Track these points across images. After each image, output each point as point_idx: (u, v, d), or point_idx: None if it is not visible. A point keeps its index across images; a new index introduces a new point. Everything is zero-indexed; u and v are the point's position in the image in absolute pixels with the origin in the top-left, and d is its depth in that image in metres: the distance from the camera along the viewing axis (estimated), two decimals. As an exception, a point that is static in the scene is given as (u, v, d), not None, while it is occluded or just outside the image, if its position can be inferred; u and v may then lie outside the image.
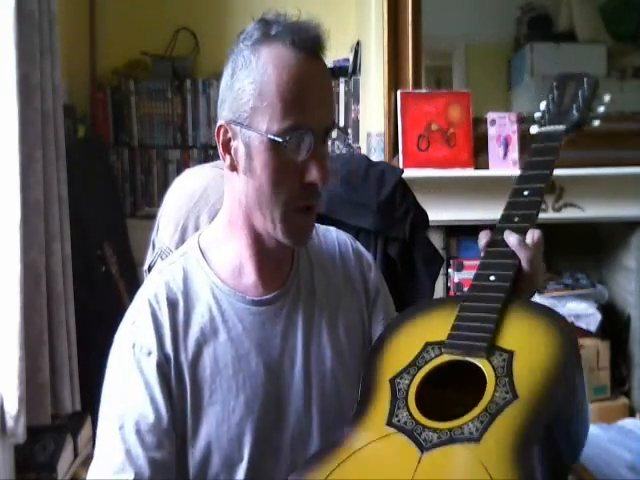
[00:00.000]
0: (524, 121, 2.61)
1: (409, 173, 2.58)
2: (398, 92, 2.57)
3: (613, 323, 2.79)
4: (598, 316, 2.70)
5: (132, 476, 0.82)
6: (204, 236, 0.98)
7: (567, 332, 0.80)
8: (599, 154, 2.54)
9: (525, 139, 2.59)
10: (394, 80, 2.60)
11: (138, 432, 0.83)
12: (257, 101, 0.83)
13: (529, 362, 0.77)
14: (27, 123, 1.94)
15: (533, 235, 0.92)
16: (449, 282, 2.68)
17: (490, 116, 2.61)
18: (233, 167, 0.88)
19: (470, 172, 2.57)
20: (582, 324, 2.69)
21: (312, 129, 0.83)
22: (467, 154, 2.58)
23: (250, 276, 0.93)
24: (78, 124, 2.73)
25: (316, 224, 1.05)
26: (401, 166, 2.56)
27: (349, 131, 2.92)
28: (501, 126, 2.60)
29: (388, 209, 1.38)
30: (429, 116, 2.57)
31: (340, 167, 1.43)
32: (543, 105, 1.05)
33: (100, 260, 2.47)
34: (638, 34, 3.15)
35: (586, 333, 2.68)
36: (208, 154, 2.89)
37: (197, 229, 1.18)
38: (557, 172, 2.85)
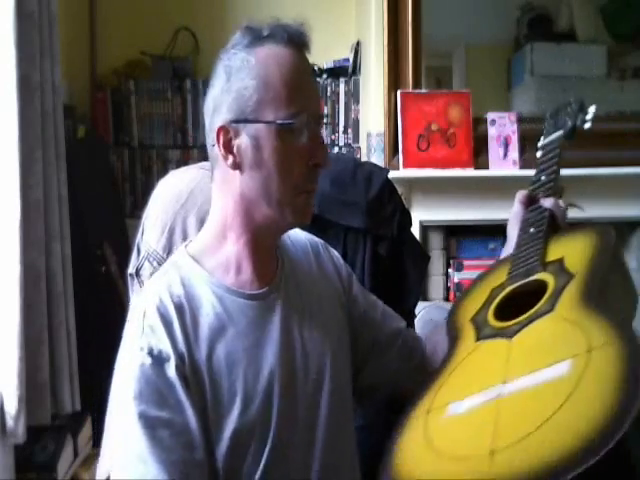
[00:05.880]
0: (524, 121, 2.62)
1: (409, 173, 2.59)
2: (398, 92, 2.57)
3: (613, 323, 2.79)
4: (598, 316, 2.70)
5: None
6: (192, 246, 0.99)
7: (602, 229, 0.96)
8: (599, 154, 2.54)
9: (525, 139, 2.59)
10: (394, 80, 2.60)
11: (171, 436, 0.85)
12: (262, 94, 0.90)
13: (576, 256, 0.93)
14: (27, 123, 1.94)
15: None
16: (449, 282, 2.68)
17: (490, 116, 2.61)
18: (236, 165, 0.93)
19: (470, 172, 2.57)
20: (582, 324, 2.69)
21: (312, 114, 0.93)
22: (467, 154, 2.58)
23: (247, 273, 0.96)
24: (78, 124, 2.73)
25: None
26: (401, 166, 2.56)
27: (349, 131, 2.93)
28: (501, 126, 2.60)
29: (377, 208, 1.40)
30: (429, 116, 2.58)
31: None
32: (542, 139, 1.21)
33: (100, 260, 2.47)
34: (638, 34, 3.14)
35: (586, 333, 2.68)
36: (208, 154, 2.89)
37: (184, 231, 1.19)
38: (557, 172, 2.79)
